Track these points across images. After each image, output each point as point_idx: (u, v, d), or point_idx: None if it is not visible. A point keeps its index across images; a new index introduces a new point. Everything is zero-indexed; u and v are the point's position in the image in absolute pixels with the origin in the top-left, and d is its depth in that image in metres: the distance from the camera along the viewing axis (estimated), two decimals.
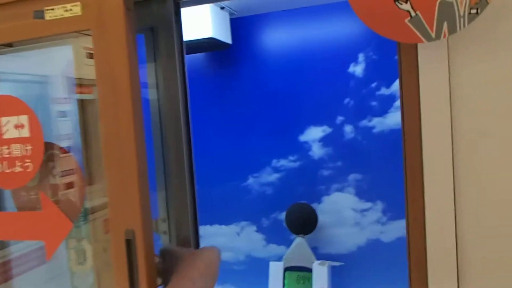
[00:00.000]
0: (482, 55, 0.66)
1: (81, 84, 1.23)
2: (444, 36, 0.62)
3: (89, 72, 1.06)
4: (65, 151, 1.03)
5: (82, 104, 1.13)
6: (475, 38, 0.65)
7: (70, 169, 1.02)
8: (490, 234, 0.71)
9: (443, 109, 0.67)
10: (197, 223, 1.08)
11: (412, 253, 0.84)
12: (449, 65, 0.66)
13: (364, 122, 1.56)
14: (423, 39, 0.63)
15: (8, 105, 0.97)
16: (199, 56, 1.69)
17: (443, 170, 0.70)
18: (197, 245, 1.09)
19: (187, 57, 1.73)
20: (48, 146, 1.02)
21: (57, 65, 1.34)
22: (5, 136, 0.98)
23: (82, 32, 0.93)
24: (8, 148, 0.98)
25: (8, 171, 0.98)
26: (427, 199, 0.72)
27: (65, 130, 1.26)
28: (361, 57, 1.54)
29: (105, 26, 0.87)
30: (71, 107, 1.31)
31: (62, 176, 1.02)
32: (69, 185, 1.01)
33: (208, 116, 1.72)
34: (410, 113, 0.69)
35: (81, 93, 1.32)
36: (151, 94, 1.09)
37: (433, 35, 0.63)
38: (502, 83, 0.66)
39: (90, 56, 0.95)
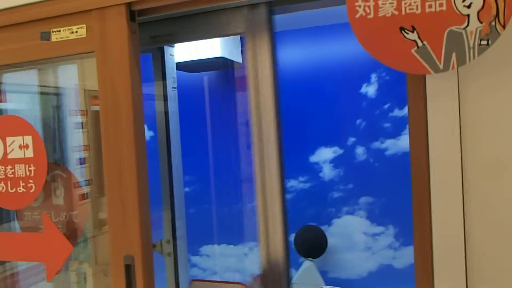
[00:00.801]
0: (494, 87, 0.63)
1: (94, 96, 1.23)
2: (453, 67, 0.59)
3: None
4: (69, 172, 1.03)
5: (95, 116, 1.13)
6: (486, 69, 0.62)
7: (73, 191, 1.01)
8: (501, 268, 0.67)
9: (453, 141, 0.64)
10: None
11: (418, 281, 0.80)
12: (459, 96, 0.63)
13: (377, 144, 1.53)
14: (431, 71, 0.60)
15: (13, 125, 0.97)
16: (210, 74, 1.68)
17: (453, 204, 0.66)
18: None
19: (193, 75, 1.72)
20: (52, 166, 1.02)
21: (73, 77, 1.35)
22: (10, 156, 0.98)
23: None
24: (12, 168, 0.97)
25: (12, 191, 0.98)
26: (435, 231, 0.69)
27: (80, 141, 1.26)
28: (373, 77, 1.51)
29: (108, 48, 0.87)
30: (85, 119, 1.31)
31: (65, 196, 1.01)
32: (72, 206, 1.01)
33: (219, 135, 1.71)
34: (418, 145, 0.66)
35: (94, 105, 1.32)
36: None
37: (441, 66, 0.60)
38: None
39: None
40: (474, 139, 0.64)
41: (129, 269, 0.90)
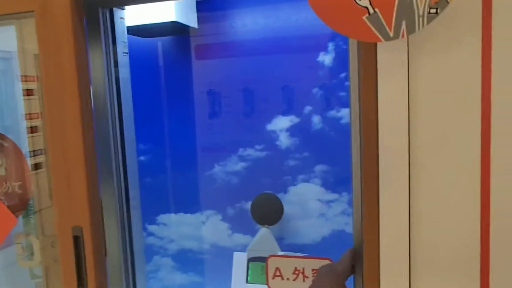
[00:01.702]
0: (441, 56, 0.63)
1: None
2: (403, 36, 0.59)
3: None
4: (12, 141, 0.98)
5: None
6: (436, 45, 0.63)
7: (16, 160, 0.96)
8: (444, 238, 0.70)
9: (401, 110, 0.65)
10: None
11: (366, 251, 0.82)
12: (408, 71, 0.63)
13: (332, 113, 1.54)
14: (381, 38, 0.60)
15: None
16: (162, 40, 1.63)
17: (399, 173, 0.68)
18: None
19: (147, 41, 1.66)
20: None
21: (22, 41, 1.27)
22: None
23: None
24: None
25: None
26: (382, 204, 0.71)
27: (31, 109, 1.19)
28: (330, 46, 1.51)
29: (49, 7, 0.81)
30: (38, 85, 1.24)
31: (7, 167, 0.96)
32: (15, 177, 0.96)
33: (172, 104, 1.67)
34: (368, 115, 0.66)
35: None
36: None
37: (391, 34, 0.60)
38: (459, 84, 0.64)
39: None
40: (421, 113, 0.65)
41: (77, 240, 0.88)
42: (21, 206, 0.96)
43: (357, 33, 0.60)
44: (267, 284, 1.11)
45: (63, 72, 0.81)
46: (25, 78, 1.23)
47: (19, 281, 1.34)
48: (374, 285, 0.75)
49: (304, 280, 1.08)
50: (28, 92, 1.21)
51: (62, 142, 0.86)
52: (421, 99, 0.65)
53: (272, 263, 1.10)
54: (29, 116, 1.17)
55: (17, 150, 0.96)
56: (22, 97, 1.22)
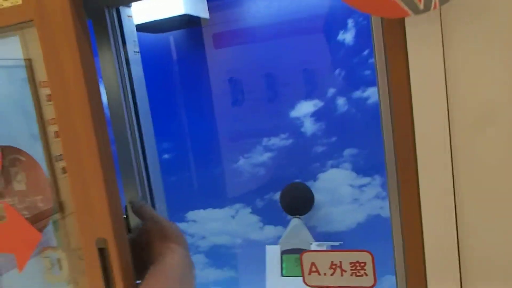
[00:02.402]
0: (480, 31, 0.56)
1: None
2: (435, 6, 0.52)
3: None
4: (28, 155, 0.95)
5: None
6: (471, 13, 0.55)
7: (35, 175, 0.94)
8: (491, 227, 0.63)
9: (438, 94, 0.58)
10: None
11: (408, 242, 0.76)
12: (443, 42, 0.56)
13: (358, 93, 1.46)
14: (410, 12, 0.53)
15: None
16: (174, 34, 1.58)
17: (440, 161, 0.61)
18: None
19: (158, 37, 1.61)
20: (9, 150, 0.94)
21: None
22: None
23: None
24: None
25: None
26: (423, 192, 0.64)
27: (53, 114, 1.17)
28: (350, 23, 1.42)
29: (48, 15, 0.77)
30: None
31: (27, 182, 0.94)
32: (35, 191, 0.94)
33: (191, 98, 1.62)
34: (400, 101, 0.60)
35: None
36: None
37: (421, 6, 0.52)
38: (503, 52, 0.56)
39: None
40: (461, 88, 0.58)
41: (103, 253, 0.85)
42: (44, 219, 0.94)
43: (381, 10, 0.53)
44: (304, 281, 1.06)
45: (68, 78, 0.77)
46: (44, 84, 1.21)
47: None
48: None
49: (342, 275, 1.03)
50: (49, 98, 1.19)
51: (76, 149, 0.82)
52: (460, 73, 0.57)
53: (307, 259, 1.05)
54: (53, 121, 1.15)
55: (34, 163, 0.93)
56: (44, 103, 1.21)
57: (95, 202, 0.83)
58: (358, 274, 1.01)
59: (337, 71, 1.47)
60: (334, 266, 1.03)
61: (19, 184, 0.93)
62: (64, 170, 1.05)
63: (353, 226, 1.56)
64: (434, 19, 0.55)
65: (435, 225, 0.64)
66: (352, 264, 1.02)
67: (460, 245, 0.63)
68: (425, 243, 0.67)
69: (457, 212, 0.63)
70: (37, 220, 0.91)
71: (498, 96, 0.56)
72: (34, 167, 0.93)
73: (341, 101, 1.49)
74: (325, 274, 1.03)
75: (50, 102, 1.24)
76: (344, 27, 1.43)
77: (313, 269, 1.04)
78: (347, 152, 1.52)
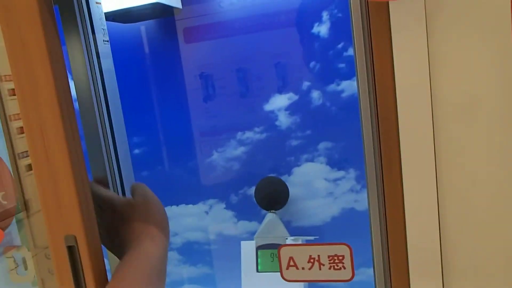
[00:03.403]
0: (465, 19, 0.55)
1: None
2: None
3: None
4: None
5: None
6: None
7: None
8: (471, 208, 0.63)
9: (422, 82, 0.57)
10: None
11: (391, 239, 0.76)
12: (427, 29, 0.55)
13: (332, 87, 1.46)
14: None
15: None
16: (145, 24, 1.53)
17: (423, 152, 0.60)
18: None
19: (128, 27, 1.55)
20: None
21: None
22: None
23: None
24: None
25: None
26: (406, 186, 0.63)
27: (16, 109, 1.11)
28: (325, 15, 1.41)
29: (12, 1, 0.72)
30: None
31: None
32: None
33: (163, 91, 1.58)
34: (385, 88, 0.58)
35: None
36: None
37: None
38: (487, 46, 0.55)
39: None
40: (443, 78, 0.57)
41: (72, 251, 0.80)
42: (7, 217, 0.88)
43: None
44: (282, 275, 1.05)
45: (35, 68, 0.73)
46: (6, 78, 1.14)
47: None
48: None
49: (320, 268, 1.02)
50: (12, 92, 1.12)
51: (42, 142, 0.77)
52: (443, 60, 0.57)
53: (284, 253, 1.03)
54: (17, 116, 1.09)
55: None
56: (6, 98, 1.14)
57: (64, 198, 0.78)
58: (336, 267, 1.01)
59: (311, 64, 1.46)
60: (312, 260, 1.02)
61: None
62: (28, 168, 1.00)
63: (328, 220, 1.56)
64: (419, 6, 0.54)
65: (418, 220, 0.63)
66: (331, 258, 1.01)
67: (442, 240, 0.63)
68: (407, 238, 0.66)
69: (439, 206, 0.62)
70: (0, 218, 0.86)
71: (481, 87, 0.56)
72: None
73: (315, 95, 1.48)
74: (303, 268, 1.02)
75: (13, 97, 1.18)
76: (319, 19, 1.42)
77: (291, 263, 1.03)
78: (322, 145, 1.51)
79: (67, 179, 0.78)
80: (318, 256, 1.01)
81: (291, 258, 1.03)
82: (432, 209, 0.66)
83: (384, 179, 0.66)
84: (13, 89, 1.12)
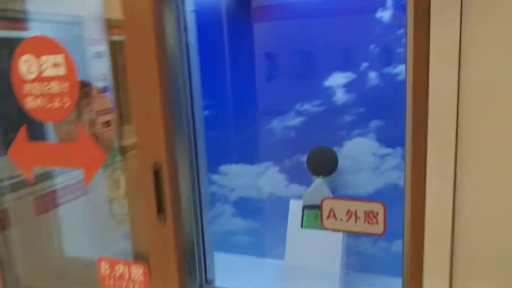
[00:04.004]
0: (496, 17, 0.66)
1: (113, 26, 1.29)
2: None
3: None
4: (100, 90, 1.12)
5: (114, 46, 1.20)
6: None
7: (104, 107, 1.11)
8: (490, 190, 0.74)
9: (451, 69, 0.69)
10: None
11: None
12: (461, 19, 0.67)
13: (389, 69, 1.57)
14: None
15: (45, 45, 1.05)
16: (220, 2, 1.71)
17: (447, 130, 0.73)
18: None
19: (205, 5, 1.73)
20: (83, 84, 1.11)
21: (90, 6, 1.40)
22: (45, 74, 1.07)
23: None
24: (48, 85, 1.07)
25: (48, 106, 1.08)
26: (429, 155, 0.76)
27: (100, 71, 1.34)
28: (389, 2, 1.52)
29: None
30: (105, 48, 1.38)
31: (97, 112, 1.11)
32: (104, 121, 1.11)
33: (234, 62, 1.76)
34: (419, 73, 0.72)
35: (112, 34, 1.38)
36: None
37: None
38: None
39: None
40: (473, 67, 0.69)
41: (157, 175, 1.01)
42: (108, 145, 1.11)
43: None
44: (322, 224, 1.21)
45: (143, 32, 0.93)
46: (95, 42, 1.36)
47: (103, 221, 1.55)
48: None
49: (356, 221, 1.17)
50: (99, 55, 1.34)
51: (142, 92, 0.98)
52: (473, 54, 0.68)
53: (326, 205, 1.19)
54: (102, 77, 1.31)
55: (105, 98, 1.10)
56: (94, 60, 1.36)
57: (154, 131, 0.99)
58: (370, 222, 1.15)
59: (372, 47, 1.58)
60: (349, 213, 1.17)
61: (90, 114, 1.10)
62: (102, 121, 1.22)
63: (371, 192, 1.68)
64: (455, 3, 0.67)
65: (435, 200, 0.76)
66: (366, 213, 1.15)
67: (455, 220, 0.75)
68: (426, 214, 0.79)
69: (456, 185, 0.75)
70: (103, 144, 1.09)
71: (506, 66, 0.67)
72: (104, 100, 1.10)
73: (372, 75, 1.60)
74: (341, 219, 1.18)
75: (100, 59, 1.40)
76: (383, 5, 1.53)
77: (331, 214, 1.19)
78: (373, 123, 1.63)
79: (158, 120, 0.99)
80: (355, 210, 1.16)
81: (331, 209, 1.18)
82: (449, 184, 0.78)
83: (412, 155, 0.79)
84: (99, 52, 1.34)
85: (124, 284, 1.12)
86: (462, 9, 0.69)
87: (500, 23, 0.68)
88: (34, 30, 1.48)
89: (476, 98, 0.71)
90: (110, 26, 1.26)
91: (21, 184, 1.43)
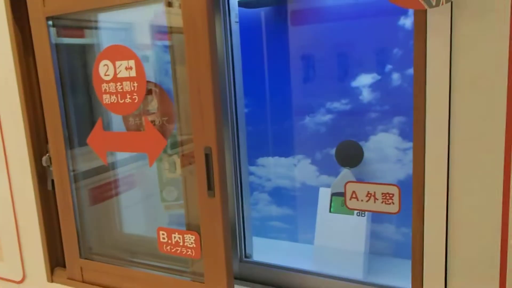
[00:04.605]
0: (480, 19, 0.84)
1: (161, 32, 1.53)
2: (442, 3, 0.83)
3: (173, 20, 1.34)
4: (161, 88, 1.36)
5: (173, 49, 1.44)
6: (476, 10, 0.84)
7: (164, 103, 1.35)
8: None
9: (443, 64, 0.88)
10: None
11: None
12: (451, 30, 0.86)
13: (410, 71, 1.74)
14: (425, 6, 0.84)
15: (121, 52, 1.31)
16: (266, 9, 1.93)
17: (440, 118, 0.91)
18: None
19: (252, 12, 1.98)
20: (149, 83, 1.36)
21: (143, 14, 1.65)
22: (119, 76, 1.32)
23: None
24: (121, 85, 1.32)
25: (121, 101, 1.33)
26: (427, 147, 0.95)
27: (146, 73, 1.58)
28: (411, 11, 1.70)
29: None
30: (152, 52, 1.63)
31: (159, 106, 1.35)
32: (164, 113, 1.35)
33: (271, 64, 1.98)
34: (419, 74, 0.91)
35: (161, 39, 1.63)
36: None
37: (433, 2, 0.84)
38: (493, 49, 0.85)
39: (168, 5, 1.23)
40: (461, 64, 0.88)
41: (208, 157, 1.24)
42: (168, 134, 1.35)
43: (407, 3, 0.84)
44: (345, 204, 1.40)
45: (198, 38, 1.16)
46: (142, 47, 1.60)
47: (153, 207, 1.80)
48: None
49: (375, 202, 1.36)
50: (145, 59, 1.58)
51: (197, 82, 1.20)
52: (462, 58, 0.86)
53: (349, 188, 1.39)
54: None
55: (165, 94, 1.34)
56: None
57: (207, 120, 1.22)
58: (387, 202, 1.34)
59: (395, 51, 1.76)
60: (369, 195, 1.36)
61: (153, 108, 1.35)
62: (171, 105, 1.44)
63: (393, 181, 1.85)
64: (446, 11, 0.86)
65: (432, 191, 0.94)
66: (384, 194, 1.34)
67: (449, 209, 0.93)
68: (425, 201, 0.98)
69: (449, 175, 0.92)
70: (163, 133, 1.33)
71: (490, 73, 0.84)
72: (164, 96, 1.34)
73: (395, 76, 1.78)
74: (362, 200, 1.37)
75: (146, 63, 1.64)
76: (405, 13, 1.71)
77: (353, 195, 1.38)
78: (396, 119, 1.81)
79: (210, 107, 1.21)
80: (374, 192, 1.35)
81: (353, 191, 1.38)
82: (442, 175, 0.96)
83: (413, 145, 0.98)
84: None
85: (179, 250, 1.35)
86: (452, 18, 0.87)
87: (483, 29, 0.86)
88: (89, 36, 1.74)
89: (464, 93, 0.89)
90: (167, 32, 1.49)
91: (92, 172, 1.71)
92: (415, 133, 1.00)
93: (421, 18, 0.90)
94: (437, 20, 0.88)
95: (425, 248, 0.99)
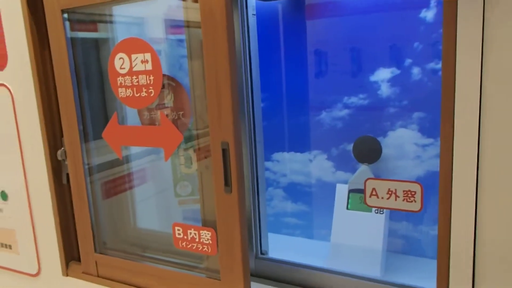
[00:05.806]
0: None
1: (176, 26, 1.50)
2: None
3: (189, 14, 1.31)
4: (178, 82, 1.34)
5: (189, 44, 1.41)
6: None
7: (181, 97, 1.33)
8: None
9: (475, 60, 0.84)
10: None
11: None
12: (483, 20, 0.82)
13: (431, 65, 1.70)
14: None
15: (136, 45, 1.28)
16: (283, 2, 1.90)
17: (471, 116, 0.87)
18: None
19: (270, 4, 1.94)
20: (165, 77, 1.33)
21: (157, 8, 1.63)
22: (135, 69, 1.30)
23: None
24: (136, 78, 1.30)
25: (137, 95, 1.31)
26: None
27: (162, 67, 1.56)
28: (433, 2, 1.65)
29: None
30: (166, 46, 1.61)
31: (175, 100, 1.33)
32: (179, 108, 1.33)
33: (288, 59, 1.95)
34: (448, 65, 0.87)
35: (175, 33, 1.60)
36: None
37: None
38: None
39: None
40: (495, 57, 0.84)
41: (225, 153, 1.22)
42: (183, 128, 1.33)
43: None
44: (365, 202, 1.37)
45: (216, 32, 1.13)
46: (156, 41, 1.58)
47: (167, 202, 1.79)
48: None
49: (396, 200, 1.32)
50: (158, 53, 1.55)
51: (215, 76, 1.18)
52: (495, 52, 0.82)
53: (369, 185, 1.36)
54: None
55: (181, 88, 1.32)
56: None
57: (225, 115, 1.19)
58: (408, 200, 1.31)
59: (415, 44, 1.71)
60: (390, 192, 1.32)
61: (169, 102, 1.33)
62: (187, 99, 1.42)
63: (413, 178, 1.81)
64: (478, 2, 0.82)
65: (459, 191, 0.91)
66: (405, 192, 1.31)
67: (478, 209, 0.89)
68: (452, 196, 0.94)
69: (478, 174, 0.89)
70: (179, 127, 1.31)
71: None
72: (180, 90, 1.32)
73: (415, 71, 1.73)
74: (382, 198, 1.34)
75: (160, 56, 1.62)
76: (427, 5, 1.66)
77: (373, 193, 1.35)
78: (416, 115, 1.77)
79: (228, 106, 1.19)
80: (395, 189, 1.32)
81: (373, 188, 1.35)
82: (472, 171, 0.92)
83: (441, 142, 0.95)
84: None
85: (195, 246, 1.33)
86: (485, 9, 0.83)
87: None
88: (103, 31, 1.73)
89: (496, 90, 0.85)
90: (183, 26, 1.47)
91: (106, 166, 1.70)
92: (442, 131, 0.96)
93: (451, 10, 0.86)
94: (468, 11, 0.84)
95: (452, 249, 0.96)
